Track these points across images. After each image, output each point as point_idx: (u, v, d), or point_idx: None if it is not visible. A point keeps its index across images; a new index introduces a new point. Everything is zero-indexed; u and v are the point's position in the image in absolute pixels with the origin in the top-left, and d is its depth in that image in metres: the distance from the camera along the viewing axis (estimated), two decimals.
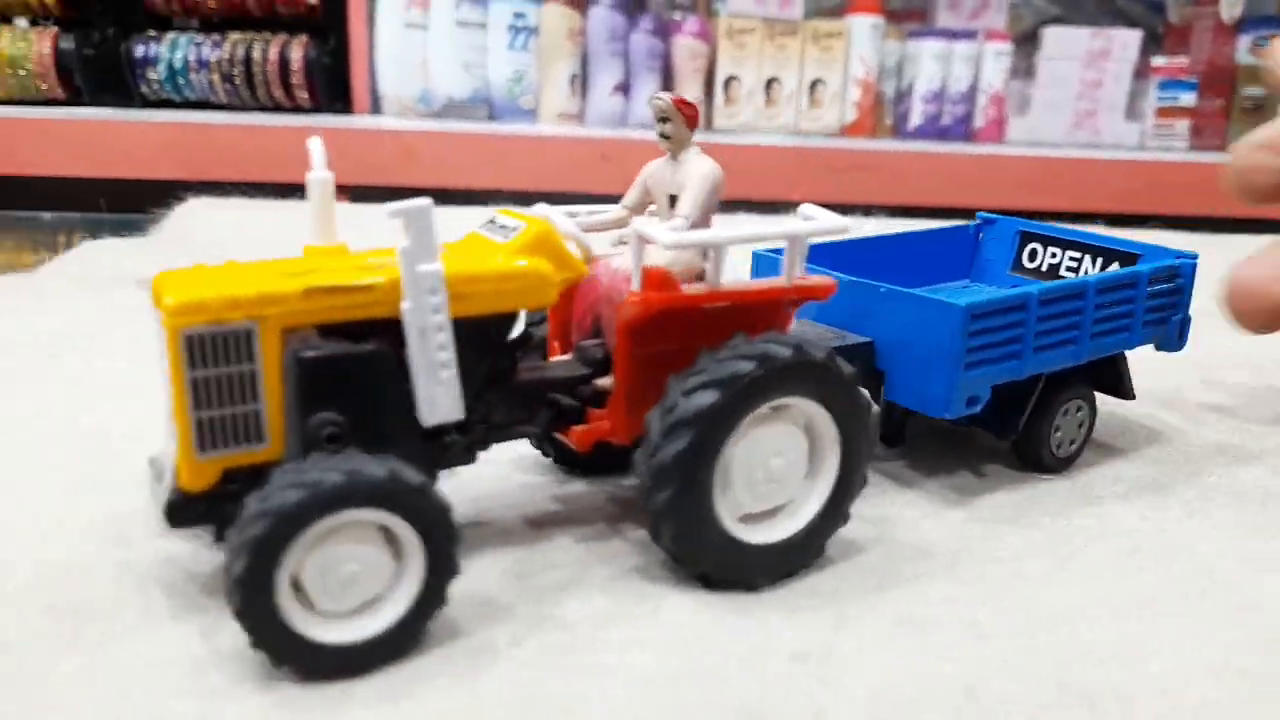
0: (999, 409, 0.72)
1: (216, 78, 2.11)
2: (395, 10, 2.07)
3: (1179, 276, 0.79)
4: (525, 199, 1.93)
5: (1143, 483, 0.75)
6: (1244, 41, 2.19)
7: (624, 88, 2.16)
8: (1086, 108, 2.17)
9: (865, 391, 0.59)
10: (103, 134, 1.99)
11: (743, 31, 2.13)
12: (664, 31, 2.15)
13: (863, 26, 2.12)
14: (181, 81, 2.12)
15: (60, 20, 2.12)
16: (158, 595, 0.55)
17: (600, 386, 0.61)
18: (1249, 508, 0.72)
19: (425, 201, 0.51)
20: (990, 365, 0.69)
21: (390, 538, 0.49)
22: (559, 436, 0.62)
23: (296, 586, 0.47)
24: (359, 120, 2.09)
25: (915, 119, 2.18)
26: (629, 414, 0.58)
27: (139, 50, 2.11)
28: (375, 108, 2.13)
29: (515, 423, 0.59)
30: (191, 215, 1.63)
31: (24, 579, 0.56)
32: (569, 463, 0.72)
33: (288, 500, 0.45)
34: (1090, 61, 2.15)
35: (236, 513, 0.46)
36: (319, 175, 0.55)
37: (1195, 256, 0.80)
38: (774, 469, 0.57)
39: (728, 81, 2.14)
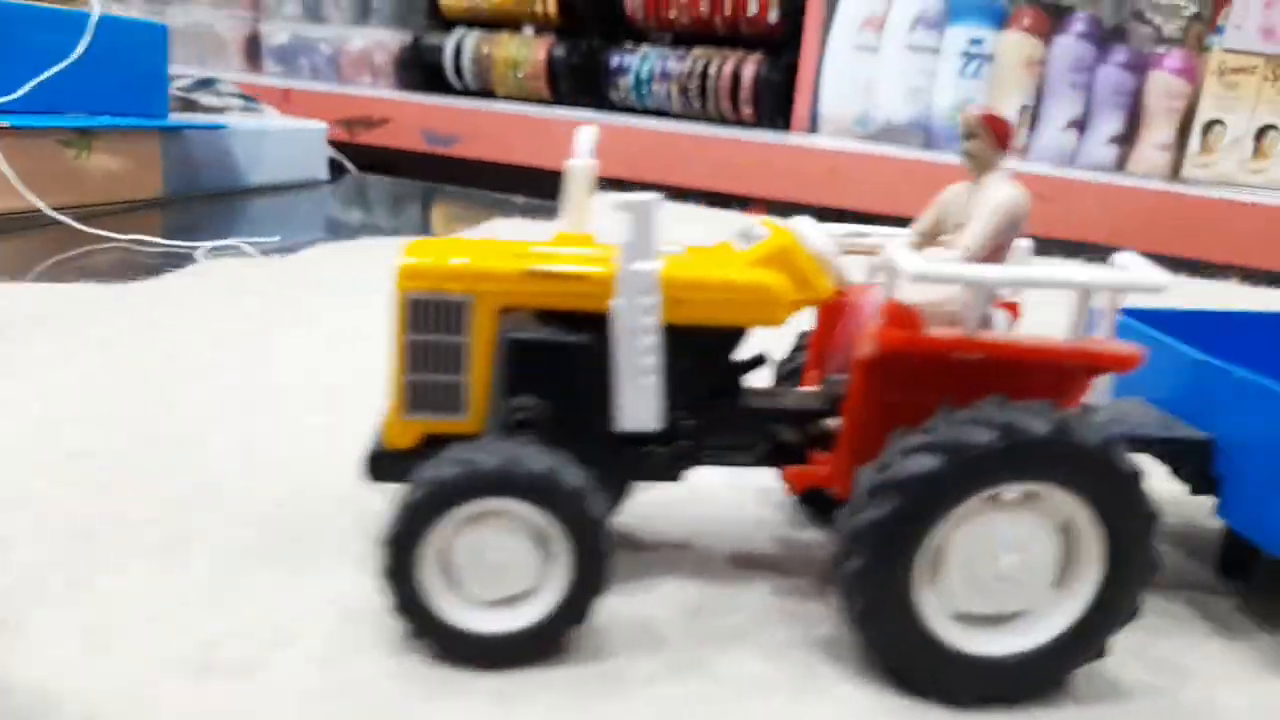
0: None
1: (675, 89, 2.27)
2: (848, 32, 2.08)
3: None
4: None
5: None
6: None
7: (1079, 124, 1.98)
8: None
9: (1153, 496, 0.47)
10: (569, 133, 2.22)
11: (1238, 70, 1.85)
12: (1139, 65, 1.94)
13: None
14: (645, 91, 2.31)
15: (558, 29, 2.41)
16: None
17: (830, 427, 0.55)
18: None
19: (653, 196, 0.48)
20: None
21: (543, 536, 0.47)
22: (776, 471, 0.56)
23: (446, 564, 0.47)
24: (790, 138, 2.13)
25: None
26: (851, 464, 0.50)
27: (615, 60, 2.33)
28: (813, 127, 2.16)
29: (730, 448, 0.55)
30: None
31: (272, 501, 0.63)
32: (814, 505, 0.65)
33: (443, 475, 0.45)
34: None
35: None
36: (580, 163, 0.55)
37: None
38: (1006, 567, 0.47)
39: (1208, 126, 1.88)
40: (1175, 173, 1.93)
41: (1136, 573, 0.47)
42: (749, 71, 2.19)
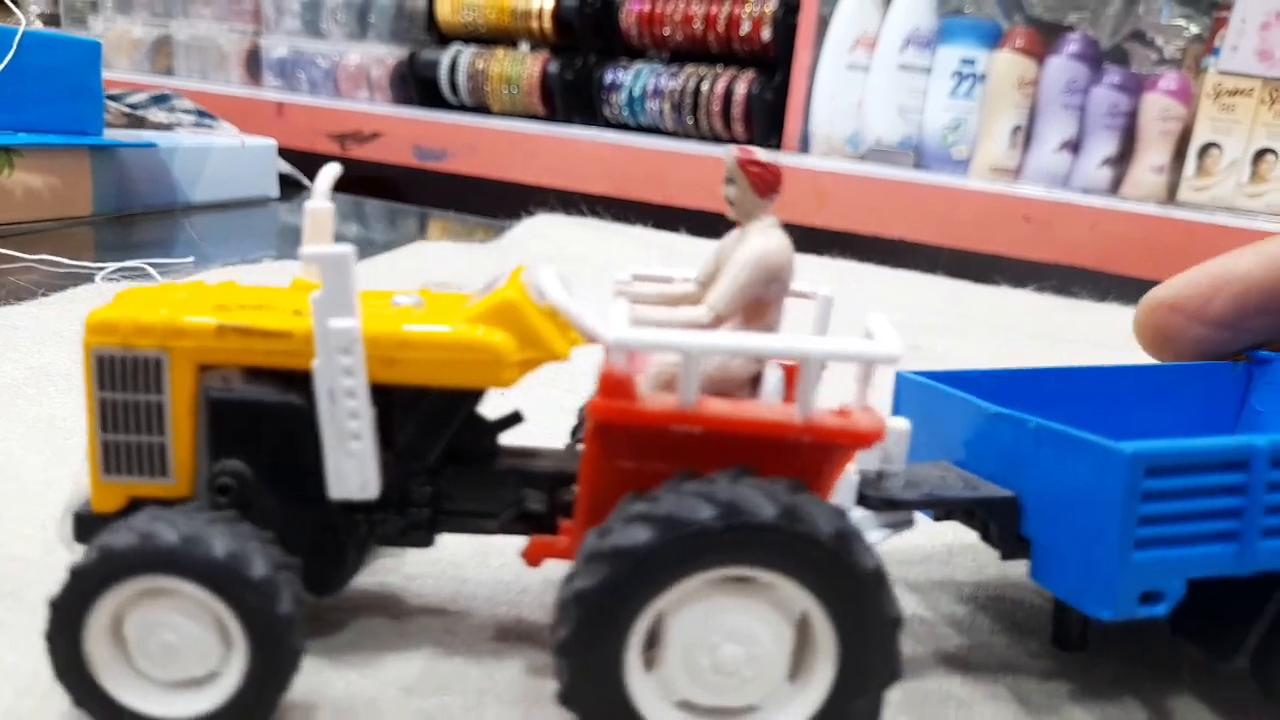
0: (1214, 617, 0.50)
1: (667, 106, 2.26)
2: (839, 51, 2.06)
3: None
4: (931, 253, 1.82)
5: None
6: None
7: (1073, 145, 1.95)
8: None
9: (895, 601, 0.42)
10: (559, 149, 2.22)
11: (1235, 93, 1.81)
12: (1133, 87, 1.91)
13: None
14: (638, 108, 2.30)
15: (554, 46, 2.41)
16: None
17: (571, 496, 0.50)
18: None
19: (346, 248, 0.44)
20: (1183, 547, 0.47)
21: (222, 623, 0.44)
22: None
23: (118, 636, 0.44)
24: (779, 157, 2.11)
25: None
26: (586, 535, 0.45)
27: (608, 77, 2.33)
28: (804, 146, 2.14)
29: (473, 514, 0.50)
30: (532, 230, 1.68)
31: None
32: None
33: (115, 545, 0.43)
34: None
35: None
36: (317, 205, 0.52)
37: None
38: (725, 657, 0.42)
39: (1204, 149, 1.84)
40: (1171, 196, 1.89)
41: (873, 679, 0.43)
42: (741, 89, 2.17)
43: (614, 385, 0.43)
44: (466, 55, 2.42)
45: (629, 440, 0.44)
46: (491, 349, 0.47)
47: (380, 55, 2.49)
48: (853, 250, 1.69)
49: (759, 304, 0.47)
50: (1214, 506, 0.47)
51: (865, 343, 0.44)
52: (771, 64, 2.19)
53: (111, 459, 0.47)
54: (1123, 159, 1.94)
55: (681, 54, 2.33)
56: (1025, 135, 1.98)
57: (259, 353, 0.47)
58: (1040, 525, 0.51)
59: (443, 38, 2.51)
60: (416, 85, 2.48)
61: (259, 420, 0.47)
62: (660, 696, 0.43)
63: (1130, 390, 0.64)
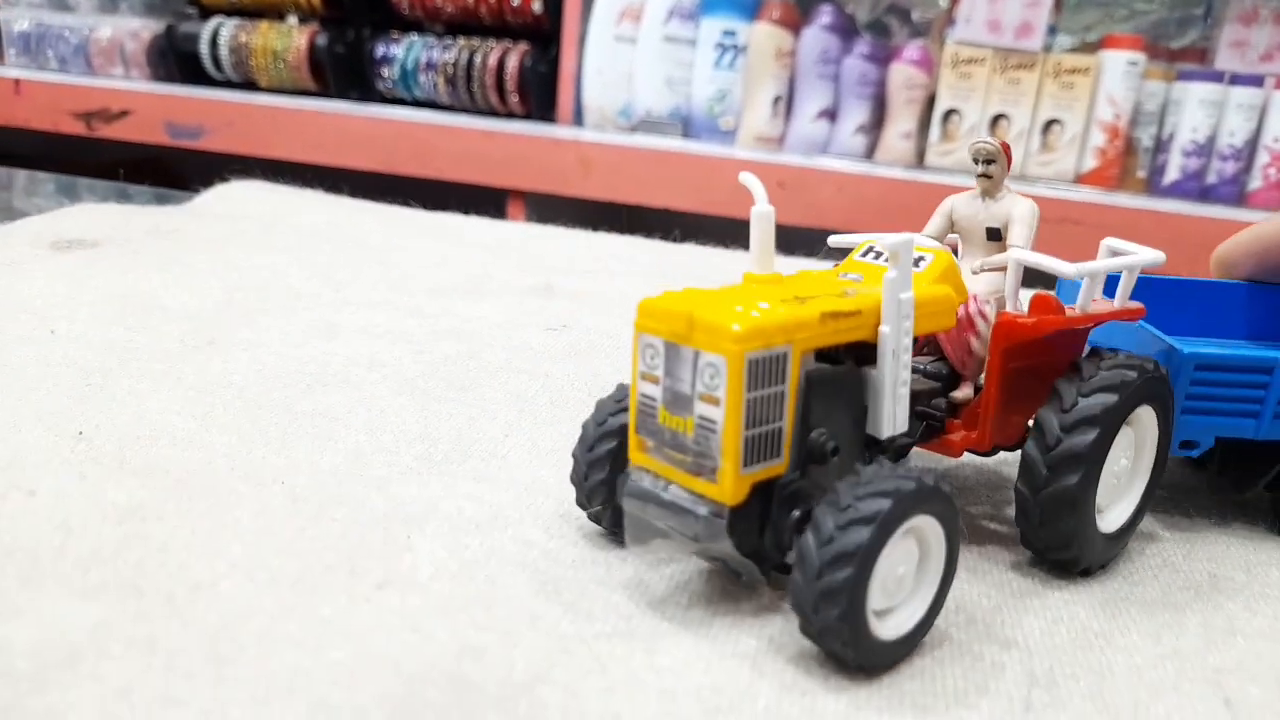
0: (1243, 468, 0.73)
1: (441, 80, 2.22)
2: (607, 23, 2.07)
3: None
4: (698, 220, 1.83)
5: None
6: None
7: (830, 114, 2.02)
8: None
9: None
10: (324, 124, 2.14)
11: (970, 61, 1.91)
12: (881, 57, 1.98)
13: (1116, 63, 1.83)
14: (412, 81, 2.24)
15: (322, 19, 2.32)
16: None
17: (958, 399, 0.66)
18: None
19: (908, 236, 0.55)
20: (1214, 417, 0.70)
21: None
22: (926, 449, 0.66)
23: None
24: (550, 129, 2.10)
25: (1172, 173, 1.86)
26: (997, 423, 0.64)
27: (379, 50, 2.26)
28: (578, 119, 2.14)
29: (904, 435, 0.60)
30: (227, 195, 1.57)
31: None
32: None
33: (881, 508, 0.49)
34: None
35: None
36: (761, 209, 0.57)
37: None
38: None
39: (947, 115, 1.93)
40: (920, 160, 1.98)
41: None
42: (513, 62, 2.15)
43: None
44: (229, 28, 2.31)
45: (1021, 344, 0.62)
46: (952, 300, 0.60)
47: (134, 29, 2.34)
48: (616, 218, 1.70)
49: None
50: (1242, 394, 0.68)
51: (1150, 252, 0.65)
52: (545, 36, 2.18)
53: (750, 453, 0.51)
54: (876, 126, 2.02)
55: (455, 26, 2.29)
56: (786, 105, 2.03)
57: (843, 331, 0.54)
58: None
59: (205, 10, 2.39)
60: (177, 60, 2.34)
61: (839, 389, 0.55)
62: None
63: (1225, 303, 0.84)
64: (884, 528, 0.49)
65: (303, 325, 0.97)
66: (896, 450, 0.62)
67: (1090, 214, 1.78)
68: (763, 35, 1.99)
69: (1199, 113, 1.82)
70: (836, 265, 0.64)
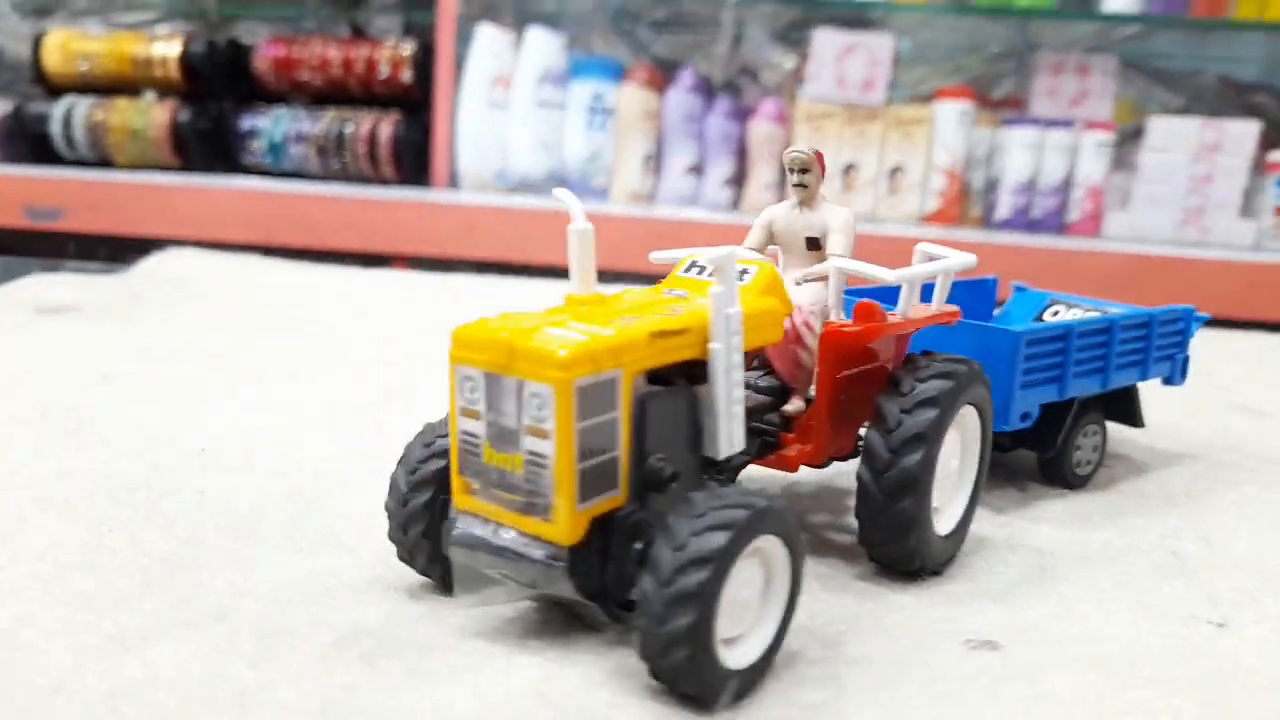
0: (1040, 429, 0.84)
1: (313, 150, 2.23)
2: (479, 90, 2.14)
3: (1181, 320, 0.94)
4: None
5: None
6: None
7: (697, 169, 2.15)
8: (1195, 204, 1.99)
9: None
10: (193, 198, 2.12)
11: (822, 116, 2.08)
12: (740, 115, 2.13)
13: (949, 113, 2.03)
14: (281, 154, 2.24)
15: (183, 94, 2.29)
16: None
17: (790, 413, 0.66)
18: None
19: (730, 248, 0.54)
20: (1039, 386, 0.81)
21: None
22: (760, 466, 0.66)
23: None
24: (427, 194, 2.14)
25: (1002, 210, 2.07)
26: (830, 434, 0.64)
27: (245, 124, 2.25)
28: (454, 183, 2.19)
29: (740, 454, 0.59)
30: (161, 264, 1.62)
31: None
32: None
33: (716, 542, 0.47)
34: (1201, 155, 1.98)
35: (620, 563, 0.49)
36: (579, 227, 0.55)
37: (1194, 309, 0.95)
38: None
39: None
40: None
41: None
42: (386, 131, 2.19)
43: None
44: (83, 107, 2.25)
45: (848, 353, 0.63)
46: (777, 313, 0.60)
47: None
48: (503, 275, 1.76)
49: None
50: (1051, 361, 0.80)
51: (962, 256, 0.70)
52: (416, 104, 2.22)
53: (585, 486, 0.48)
54: (740, 179, 2.16)
55: (323, 97, 2.30)
56: (656, 162, 2.15)
57: (673, 349, 0.52)
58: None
59: (53, 89, 2.32)
60: (25, 141, 2.26)
61: (672, 411, 0.53)
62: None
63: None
64: (724, 560, 0.46)
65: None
66: (733, 470, 0.60)
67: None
68: (630, 97, 2.11)
69: (1022, 155, 2.03)
70: (659, 283, 0.62)
